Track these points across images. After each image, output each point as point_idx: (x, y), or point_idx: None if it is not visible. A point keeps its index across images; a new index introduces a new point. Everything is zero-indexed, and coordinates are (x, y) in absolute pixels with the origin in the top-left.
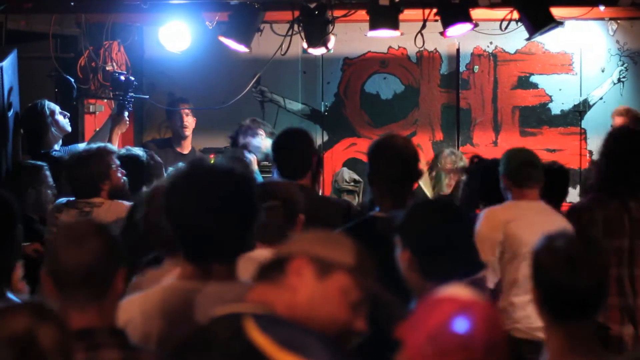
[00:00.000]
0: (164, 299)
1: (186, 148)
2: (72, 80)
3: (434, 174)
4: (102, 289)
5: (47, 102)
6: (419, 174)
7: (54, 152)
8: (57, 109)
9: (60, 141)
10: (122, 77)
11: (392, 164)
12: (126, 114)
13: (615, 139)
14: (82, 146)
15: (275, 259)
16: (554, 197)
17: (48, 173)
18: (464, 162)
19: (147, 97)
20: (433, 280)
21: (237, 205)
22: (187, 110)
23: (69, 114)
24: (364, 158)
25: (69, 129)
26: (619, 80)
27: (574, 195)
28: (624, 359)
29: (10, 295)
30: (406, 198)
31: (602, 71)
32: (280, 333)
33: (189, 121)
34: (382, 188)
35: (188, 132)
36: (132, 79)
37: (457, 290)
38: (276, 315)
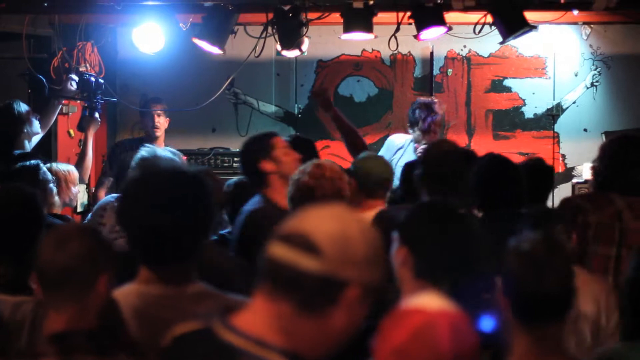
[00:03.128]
0: (122, 304)
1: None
2: (44, 79)
3: None
4: (79, 291)
5: (20, 103)
6: None
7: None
8: (29, 109)
9: (32, 141)
10: (92, 79)
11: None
12: (97, 114)
13: (612, 142)
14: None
15: (324, 283)
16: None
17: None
18: None
19: (116, 99)
20: (424, 280)
21: (190, 207)
22: (159, 111)
23: (39, 116)
24: (338, 161)
25: (40, 131)
26: (592, 84)
27: None
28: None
29: None
30: None
31: (576, 75)
32: None
33: (161, 122)
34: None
35: (159, 132)
36: (102, 81)
37: (426, 300)
38: None
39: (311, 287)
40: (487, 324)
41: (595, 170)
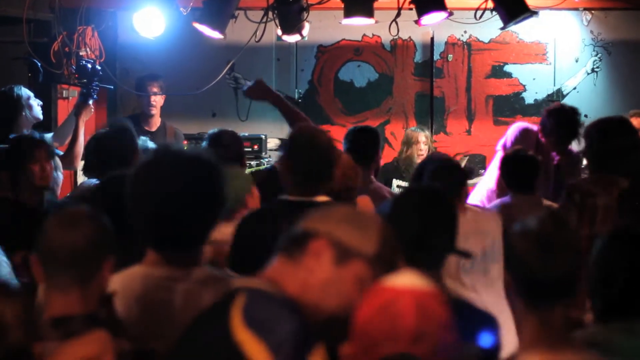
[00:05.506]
0: (126, 285)
1: (154, 125)
2: (39, 64)
3: (408, 153)
4: (86, 273)
5: (21, 87)
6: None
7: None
8: (31, 94)
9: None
10: (89, 65)
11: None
12: (91, 101)
13: (603, 123)
14: (48, 136)
15: (300, 233)
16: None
17: None
18: (430, 143)
19: (112, 86)
20: (414, 267)
21: (200, 192)
22: (154, 89)
23: (42, 102)
24: (338, 146)
25: (41, 116)
26: (592, 70)
27: None
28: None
29: None
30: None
31: (576, 61)
32: (257, 310)
33: (157, 100)
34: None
35: (155, 110)
36: (99, 67)
37: (399, 278)
38: (269, 292)
39: (294, 237)
40: (486, 339)
41: (588, 153)
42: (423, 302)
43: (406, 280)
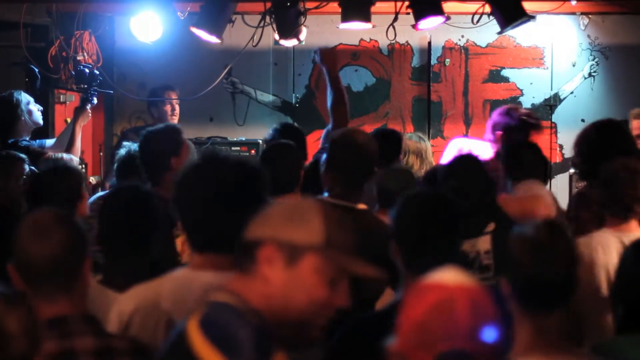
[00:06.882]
0: (173, 288)
1: None
2: (37, 70)
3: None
4: (70, 280)
5: (21, 92)
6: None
7: (22, 142)
8: (31, 99)
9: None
10: (87, 70)
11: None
12: (89, 107)
13: (597, 129)
14: (50, 142)
15: (245, 245)
16: None
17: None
18: (428, 146)
19: (111, 92)
20: (412, 272)
21: (245, 198)
22: (175, 99)
23: (42, 108)
24: None
25: (41, 122)
26: (589, 74)
27: None
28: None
29: None
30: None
31: (573, 65)
32: (214, 320)
33: (176, 109)
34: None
35: (176, 119)
36: (97, 72)
37: (447, 275)
38: (226, 302)
39: (241, 251)
40: (489, 334)
41: (580, 158)
42: (476, 299)
43: (455, 277)
